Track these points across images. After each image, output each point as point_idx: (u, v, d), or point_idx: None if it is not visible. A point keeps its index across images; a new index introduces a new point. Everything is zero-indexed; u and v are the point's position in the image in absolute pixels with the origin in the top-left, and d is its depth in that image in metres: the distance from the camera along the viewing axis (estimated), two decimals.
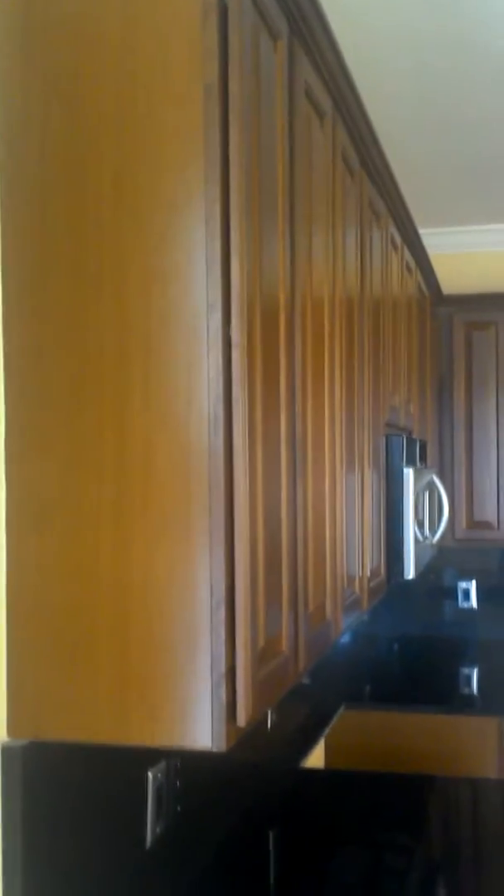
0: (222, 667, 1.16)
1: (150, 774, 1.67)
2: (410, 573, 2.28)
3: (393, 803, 2.24)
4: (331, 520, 1.70)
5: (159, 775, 1.70)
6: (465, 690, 3.30)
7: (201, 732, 1.18)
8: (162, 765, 1.71)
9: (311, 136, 1.56)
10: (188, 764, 1.83)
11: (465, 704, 3.15)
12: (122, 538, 1.19)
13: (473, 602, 3.88)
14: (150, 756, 1.67)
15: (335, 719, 3.12)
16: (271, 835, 2.07)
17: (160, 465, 1.17)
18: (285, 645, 1.39)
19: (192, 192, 1.14)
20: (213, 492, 1.15)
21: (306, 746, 2.78)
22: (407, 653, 3.87)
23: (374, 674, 3.53)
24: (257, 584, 1.24)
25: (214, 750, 1.19)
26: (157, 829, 1.71)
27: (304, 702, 2.77)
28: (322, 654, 1.64)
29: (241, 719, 1.20)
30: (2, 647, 1.23)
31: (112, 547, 1.19)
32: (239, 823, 2.13)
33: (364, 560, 2.01)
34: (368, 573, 2.06)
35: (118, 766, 1.55)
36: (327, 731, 3.04)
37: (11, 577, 1.22)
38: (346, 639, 3.34)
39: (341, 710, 3.15)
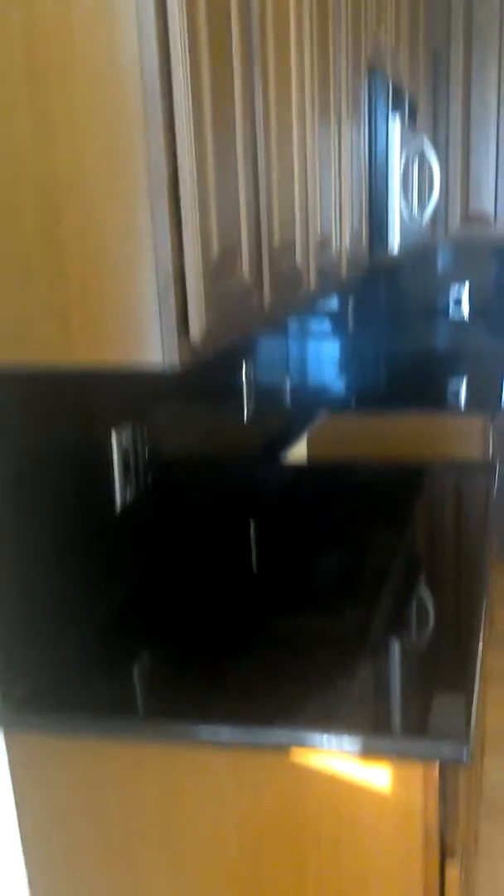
0: (169, 267, 1.02)
1: (114, 434, 1.60)
2: (394, 247, 2.10)
3: (378, 495, 2.22)
4: (300, 156, 1.49)
5: (124, 439, 1.63)
6: (452, 396, 3.26)
7: (151, 347, 1.06)
8: (127, 428, 1.64)
9: None
10: (158, 435, 1.77)
11: (452, 406, 3.11)
12: (41, 118, 0.99)
13: (465, 311, 3.73)
14: (115, 418, 1.60)
15: (318, 421, 3.08)
16: (252, 524, 2.06)
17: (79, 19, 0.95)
18: (246, 269, 1.24)
19: None
20: (144, 61, 0.95)
21: (287, 444, 2.75)
22: (395, 366, 3.79)
23: (361, 384, 3.47)
24: (206, 174, 1.06)
25: (166, 367, 1.08)
26: (127, 497, 1.67)
27: (285, 404, 2.71)
28: (292, 305, 1.50)
29: (195, 332, 1.07)
30: None
31: (30, 136, 1.00)
32: (216, 506, 2.12)
33: (342, 220, 1.83)
34: (347, 238, 1.88)
35: (80, 425, 1.47)
36: (310, 430, 3.01)
37: None
38: (331, 353, 3.24)
39: (324, 414, 3.11)
